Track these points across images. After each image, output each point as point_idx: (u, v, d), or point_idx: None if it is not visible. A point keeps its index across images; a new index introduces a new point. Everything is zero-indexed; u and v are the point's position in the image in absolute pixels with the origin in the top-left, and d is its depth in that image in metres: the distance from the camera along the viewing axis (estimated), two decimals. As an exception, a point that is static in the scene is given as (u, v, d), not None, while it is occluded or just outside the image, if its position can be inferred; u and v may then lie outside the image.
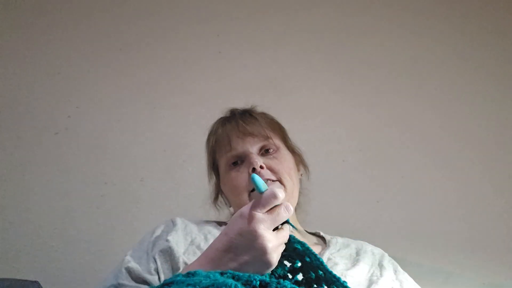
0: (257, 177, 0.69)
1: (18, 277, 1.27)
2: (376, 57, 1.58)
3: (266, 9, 1.61)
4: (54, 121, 1.45)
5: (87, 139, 1.44)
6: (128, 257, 0.88)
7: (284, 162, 0.98)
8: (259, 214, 0.66)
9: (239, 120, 1.02)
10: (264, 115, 1.07)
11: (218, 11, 1.59)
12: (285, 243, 0.69)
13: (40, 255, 1.34)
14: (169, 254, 0.87)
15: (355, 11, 1.62)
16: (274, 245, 0.65)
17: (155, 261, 0.86)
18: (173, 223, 0.97)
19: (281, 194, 0.68)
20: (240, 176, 0.95)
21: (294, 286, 0.58)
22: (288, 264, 0.70)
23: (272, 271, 0.68)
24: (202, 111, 1.49)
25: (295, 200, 0.98)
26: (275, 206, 0.67)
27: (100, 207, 1.39)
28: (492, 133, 1.52)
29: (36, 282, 1.17)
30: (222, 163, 1.00)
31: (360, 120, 1.53)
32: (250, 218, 0.66)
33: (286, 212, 0.68)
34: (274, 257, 0.65)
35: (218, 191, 1.07)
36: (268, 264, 0.65)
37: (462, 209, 1.45)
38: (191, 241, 0.91)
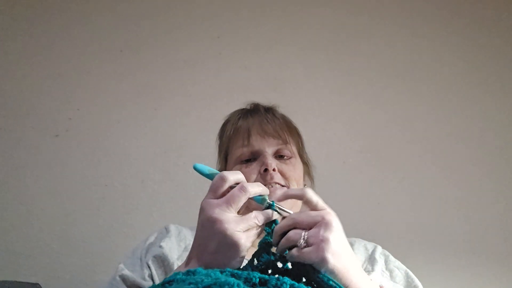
0: (199, 165, 0.69)
1: (19, 279, 1.28)
2: (376, 59, 1.58)
3: (267, 10, 1.61)
4: (55, 123, 1.45)
5: (87, 141, 1.44)
6: (121, 265, 0.88)
7: (296, 170, 0.98)
8: (212, 200, 0.66)
9: (263, 118, 1.01)
10: (286, 118, 1.07)
11: (218, 12, 1.59)
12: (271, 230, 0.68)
13: (40, 257, 1.34)
14: (162, 260, 0.87)
15: (356, 12, 1.61)
16: (235, 226, 0.64)
17: (149, 267, 0.86)
18: (167, 230, 0.97)
19: (231, 176, 0.68)
20: (250, 173, 0.94)
21: (293, 282, 0.57)
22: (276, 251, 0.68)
23: (256, 257, 0.67)
24: (202, 113, 1.49)
25: (297, 209, 0.98)
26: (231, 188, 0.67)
27: (101, 209, 1.39)
28: (494, 135, 1.52)
29: (37, 284, 1.18)
30: (235, 155, 0.99)
31: (361, 121, 1.53)
32: (205, 207, 0.66)
33: (242, 191, 0.66)
34: (241, 237, 0.64)
35: None
36: (234, 246, 0.63)
37: (463, 210, 1.45)
38: (185, 247, 0.92)
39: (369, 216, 1.44)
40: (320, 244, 0.62)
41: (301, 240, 0.63)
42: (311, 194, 0.69)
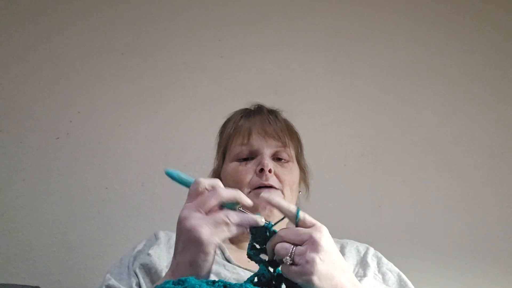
0: (173, 173, 0.70)
1: (19, 282, 1.28)
2: (378, 62, 1.58)
3: (267, 13, 1.61)
4: (56, 125, 1.45)
5: (88, 144, 1.44)
6: (108, 275, 0.87)
7: (292, 174, 0.98)
8: (186, 204, 0.67)
9: (265, 118, 1.01)
10: (288, 122, 1.07)
11: (219, 16, 1.59)
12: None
13: (41, 260, 1.34)
14: (149, 268, 0.86)
15: (357, 15, 1.62)
16: (200, 222, 0.63)
17: (136, 275, 0.86)
18: (156, 237, 0.97)
19: (206, 180, 0.68)
20: (246, 171, 0.95)
21: None
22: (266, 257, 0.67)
23: (257, 276, 0.66)
24: (203, 116, 1.49)
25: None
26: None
27: (101, 212, 1.39)
28: (496, 137, 1.52)
29: (37, 287, 1.18)
30: (233, 152, 0.99)
31: (362, 124, 1.53)
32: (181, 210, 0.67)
33: (212, 193, 0.66)
34: (203, 232, 0.62)
35: (216, 177, 1.03)
36: (197, 240, 0.62)
37: (464, 213, 1.45)
38: None
39: (370, 218, 1.43)
40: (305, 265, 0.60)
41: (287, 257, 0.61)
42: (301, 214, 0.66)
